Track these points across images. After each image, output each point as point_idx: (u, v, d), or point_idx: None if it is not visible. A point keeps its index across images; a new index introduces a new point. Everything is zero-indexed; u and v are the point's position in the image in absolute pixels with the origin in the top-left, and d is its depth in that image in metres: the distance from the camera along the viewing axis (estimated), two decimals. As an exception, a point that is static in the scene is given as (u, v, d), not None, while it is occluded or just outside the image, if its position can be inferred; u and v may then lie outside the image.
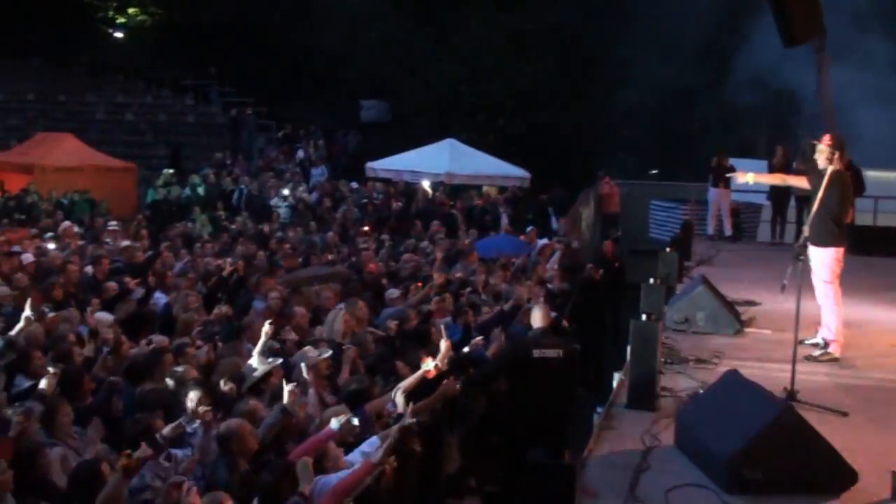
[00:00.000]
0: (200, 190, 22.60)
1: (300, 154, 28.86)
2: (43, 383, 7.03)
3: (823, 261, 8.17)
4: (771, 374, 7.22)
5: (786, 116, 21.21)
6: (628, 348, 7.00)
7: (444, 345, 8.22)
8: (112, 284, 11.46)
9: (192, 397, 6.79)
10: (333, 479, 6.04)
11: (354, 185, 24.20)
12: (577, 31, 30.78)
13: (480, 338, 9.63)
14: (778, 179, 12.38)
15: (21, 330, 8.31)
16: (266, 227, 18.74)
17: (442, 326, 9.41)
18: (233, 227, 19.00)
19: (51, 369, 7.20)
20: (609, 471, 5.67)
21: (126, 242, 15.04)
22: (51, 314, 9.39)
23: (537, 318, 9.02)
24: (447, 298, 11.34)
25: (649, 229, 22.35)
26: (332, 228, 18.71)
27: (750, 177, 9.14)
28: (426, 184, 22.74)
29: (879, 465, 5.34)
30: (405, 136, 27.64)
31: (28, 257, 12.92)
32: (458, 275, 13.47)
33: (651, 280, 9.41)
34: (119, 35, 39.29)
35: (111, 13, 39.38)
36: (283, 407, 6.76)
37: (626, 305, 13.89)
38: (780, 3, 15.44)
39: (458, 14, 32.24)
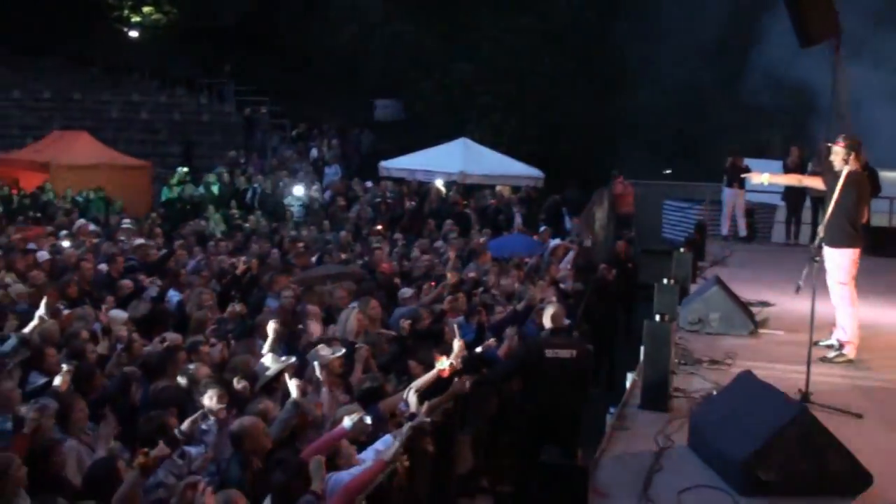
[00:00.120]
0: (215, 188, 22.66)
1: (314, 153, 28.91)
2: (57, 380, 7.07)
3: (839, 262, 8.14)
4: (785, 376, 7.19)
5: (801, 116, 21.08)
6: (642, 349, 6.98)
7: (457, 344, 8.22)
8: (127, 282, 11.51)
9: (210, 395, 6.80)
10: (346, 476, 6.05)
11: (368, 184, 24.21)
12: (591, 31, 30.72)
13: (493, 339, 9.62)
14: (793, 180, 12.35)
15: (35, 328, 8.34)
16: (279, 226, 18.78)
17: (455, 326, 9.42)
18: (246, 225, 19.04)
19: (64, 366, 7.23)
20: (622, 471, 5.66)
21: (140, 240, 15.09)
22: (66, 311, 9.46)
23: (550, 318, 9.01)
24: (460, 298, 11.34)
25: (663, 229, 22.29)
26: (346, 228, 18.72)
27: (765, 177, 9.11)
28: (439, 183, 22.74)
29: (894, 467, 5.32)
30: (419, 135, 27.64)
31: (43, 255, 12.98)
32: (472, 274, 13.46)
33: (665, 280, 9.38)
34: (134, 34, 39.44)
35: (126, 12, 39.53)
36: (294, 402, 6.76)
37: (640, 306, 13.89)
38: (795, 3, 15.37)
39: (473, 13, 32.21)
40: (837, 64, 16.55)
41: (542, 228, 18.42)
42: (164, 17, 39.67)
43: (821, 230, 7.59)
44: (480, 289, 12.37)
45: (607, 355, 13.24)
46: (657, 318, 6.93)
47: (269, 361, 7.90)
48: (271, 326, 8.49)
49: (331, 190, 23.82)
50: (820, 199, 11.98)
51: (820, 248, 7.44)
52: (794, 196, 16.86)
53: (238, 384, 7.52)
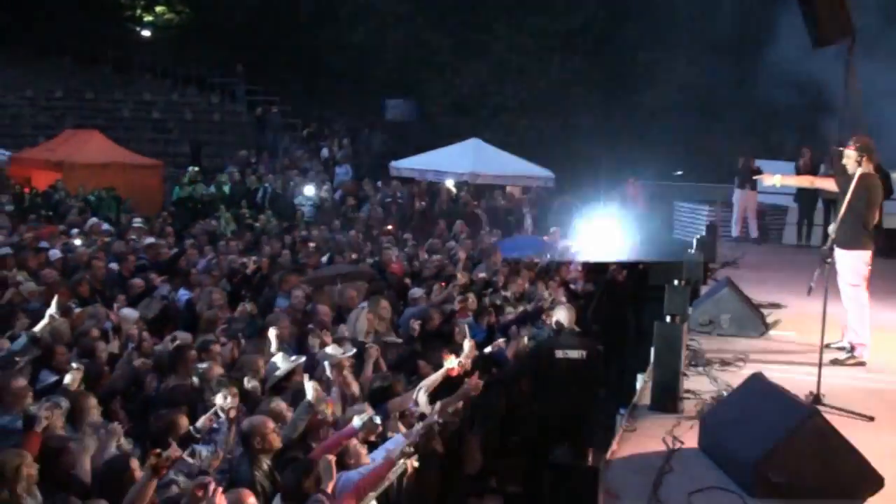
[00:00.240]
0: (226, 188, 22.70)
1: (325, 153, 28.94)
2: (68, 378, 7.09)
3: (851, 264, 8.10)
4: (796, 378, 7.16)
5: (814, 116, 20.99)
6: (652, 350, 6.96)
7: (468, 344, 8.22)
8: (138, 281, 11.55)
9: (224, 393, 6.81)
10: (355, 475, 6.06)
11: (379, 184, 24.23)
12: (603, 31, 30.67)
13: (502, 339, 9.61)
14: (806, 182, 12.30)
15: (45, 326, 8.38)
16: (290, 226, 18.81)
17: (465, 326, 9.43)
18: (256, 225, 19.07)
19: (74, 364, 7.26)
20: (632, 472, 5.64)
21: (150, 239, 15.13)
22: (77, 310, 9.50)
23: (561, 319, 9.00)
24: (470, 298, 11.33)
25: (674, 231, 22.23)
26: (356, 227, 18.73)
27: (777, 179, 9.08)
28: (450, 183, 22.73)
29: (906, 470, 5.29)
30: (430, 135, 27.63)
31: (55, 253, 13.03)
32: (482, 275, 13.45)
33: (675, 282, 9.35)
34: (146, 33, 39.61)
35: (139, 11, 39.70)
36: (309, 402, 6.77)
37: (650, 307, 13.84)
38: (809, 3, 15.29)
39: (484, 14, 32.21)
40: (851, 65, 16.46)
41: (553, 229, 18.40)
42: (176, 17, 39.82)
43: (832, 231, 7.56)
44: (490, 289, 12.37)
45: (617, 356, 13.21)
46: (668, 319, 6.90)
47: (279, 361, 7.91)
48: (272, 333, 8.54)
49: (341, 190, 23.83)
50: (832, 201, 11.92)
51: (832, 249, 7.40)
52: (806, 198, 16.81)
53: (249, 384, 7.54)
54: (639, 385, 7.81)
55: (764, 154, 19.43)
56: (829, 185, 8.82)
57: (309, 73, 34.35)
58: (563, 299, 11.44)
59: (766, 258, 15.55)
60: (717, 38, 24.81)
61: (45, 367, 7.87)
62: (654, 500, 5.23)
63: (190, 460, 5.92)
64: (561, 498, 7.07)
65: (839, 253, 7.93)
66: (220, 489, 5.22)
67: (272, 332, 8.56)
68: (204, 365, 7.76)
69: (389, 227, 19.18)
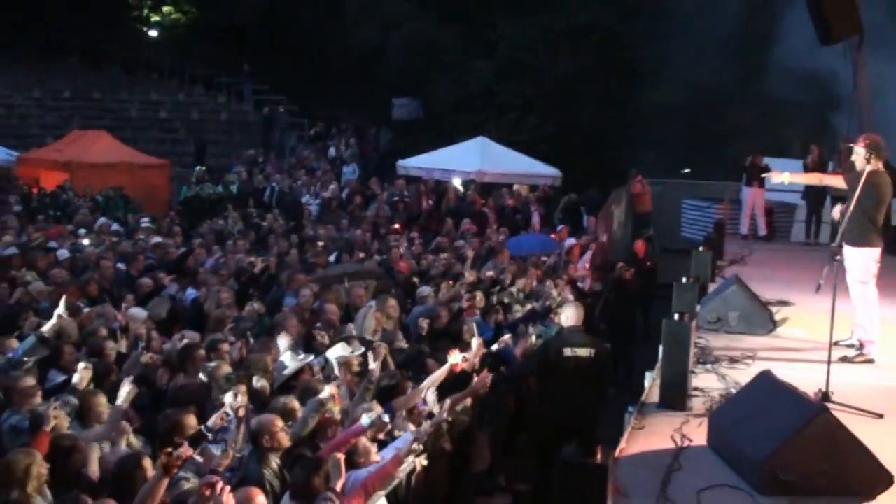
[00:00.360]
0: (234, 187, 22.75)
1: (332, 152, 28.96)
2: (76, 377, 7.11)
3: (859, 261, 8.08)
4: (805, 375, 7.13)
5: (822, 112, 20.91)
6: (661, 348, 6.95)
7: (475, 342, 8.22)
8: (146, 281, 11.58)
9: (234, 391, 6.81)
10: (363, 473, 6.07)
11: (386, 183, 24.24)
12: (609, 30, 30.63)
13: (509, 336, 9.61)
14: (814, 179, 12.27)
15: (54, 326, 8.40)
16: (297, 225, 18.82)
17: (473, 325, 9.43)
18: (264, 224, 19.08)
19: (82, 364, 7.28)
20: (641, 470, 5.64)
21: (158, 239, 15.16)
22: (86, 310, 9.53)
23: (569, 317, 9.00)
24: (478, 296, 11.33)
25: (681, 228, 22.18)
26: (363, 226, 18.74)
27: (785, 176, 9.06)
28: (457, 182, 22.72)
29: (916, 468, 5.28)
30: (437, 133, 27.62)
31: (64, 253, 13.07)
32: (489, 273, 13.45)
33: (684, 279, 9.33)
34: (153, 33, 39.73)
35: (146, 11, 39.81)
36: (319, 400, 6.77)
37: (658, 305, 13.83)
38: (816, 2, 15.27)
39: (491, 12, 32.19)
40: (858, 61, 16.42)
41: (560, 227, 18.38)
42: (183, 17, 39.92)
43: (840, 228, 7.54)
44: (498, 287, 12.37)
45: (625, 354, 13.21)
46: (676, 316, 6.89)
47: (287, 360, 7.93)
48: (283, 339, 8.54)
49: (348, 188, 23.86)
50: (841, 199, 11.86)
51: (840, 246, 7.38)
52: (814, 195, 16.75)
53: (258, 383, 7.55)
54: (647, 383, 7.81)
55: (772, 151, 19.34)
56: (837, 182, 8.80)
57: (316, 73, 34.37)
58: (571, 297, 11.43)
59: (775, 255, 15.49)
60: (724, 35, 24.70)
61: (54, 366, 7.90)
62: (663, 497, 5.22)
63: (199, 459, 5.93)
64: (570, 496, 7.06)
65: (848, 250, 7.91)
66: (228, 488, 5.23)
67: (283, 339, 8.54)
68: (212, 364, 7.78)
69: (397, 225, 19.19)
